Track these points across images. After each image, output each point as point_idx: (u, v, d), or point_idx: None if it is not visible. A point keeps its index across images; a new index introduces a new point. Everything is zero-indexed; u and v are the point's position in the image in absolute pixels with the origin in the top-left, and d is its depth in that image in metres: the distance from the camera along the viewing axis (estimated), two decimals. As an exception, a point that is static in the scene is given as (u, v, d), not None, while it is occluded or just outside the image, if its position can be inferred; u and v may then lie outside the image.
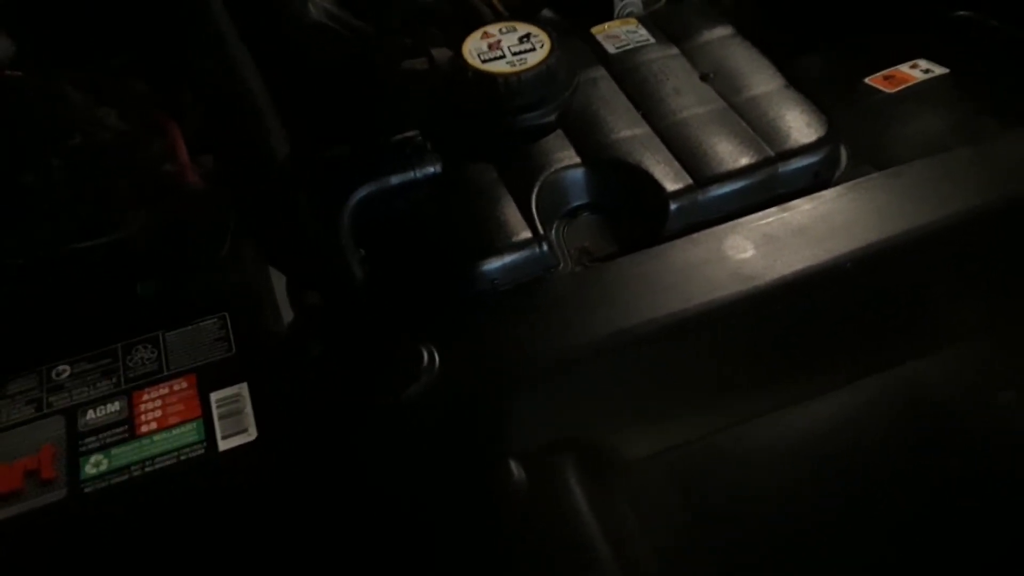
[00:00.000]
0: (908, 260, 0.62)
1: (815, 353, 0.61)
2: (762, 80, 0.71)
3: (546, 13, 0.89)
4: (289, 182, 0.72)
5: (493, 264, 0.60)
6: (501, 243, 0.61)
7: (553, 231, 0.65)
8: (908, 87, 0.75)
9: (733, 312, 0.58)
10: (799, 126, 0.66)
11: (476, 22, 0.72)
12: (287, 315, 0.67)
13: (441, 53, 0.77)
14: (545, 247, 0.61)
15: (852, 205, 0.63)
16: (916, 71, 0.77)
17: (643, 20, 0.79)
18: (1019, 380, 0.58)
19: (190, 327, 0.61)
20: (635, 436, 0.58)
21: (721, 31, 0.76)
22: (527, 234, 0.61)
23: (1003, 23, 0.84)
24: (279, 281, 0.69)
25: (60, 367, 0.59)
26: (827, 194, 0.64)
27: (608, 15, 0.90)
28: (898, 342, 0.62)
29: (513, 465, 0.54)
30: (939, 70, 0.77)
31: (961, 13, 0.86)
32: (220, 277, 0.65)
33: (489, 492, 0.53)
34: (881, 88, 0.76)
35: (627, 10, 0.92)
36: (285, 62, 0.81)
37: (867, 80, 0.77)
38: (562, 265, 0.63)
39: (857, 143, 0.70)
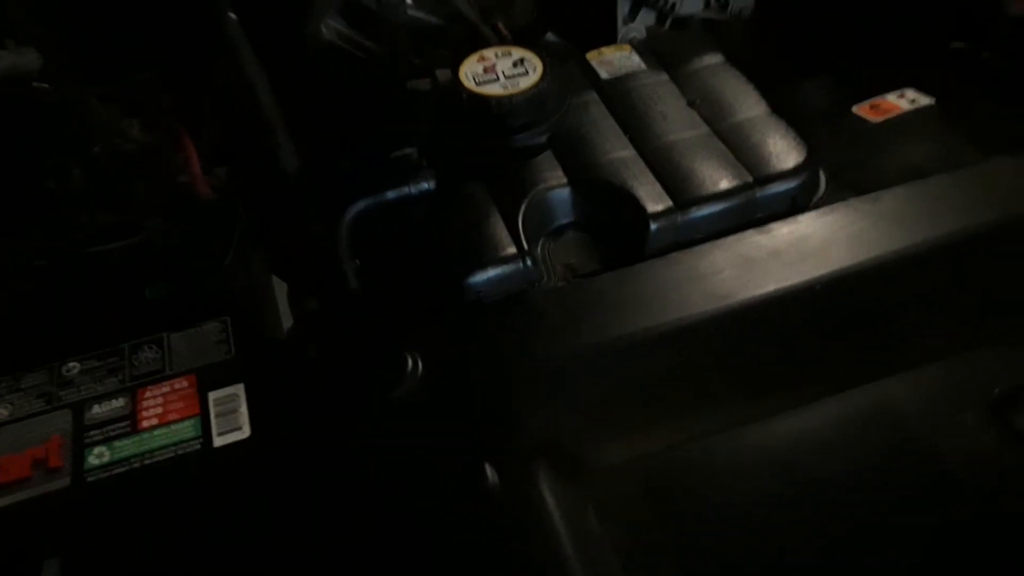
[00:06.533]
0: (879, 284, 0.64)
1: (786, 369, 0.63)
2: (747, 107, 0.73)
3: (550, 36, 0.92)
4: (298, 193, 0.76)
5: (478, 277, 0.63)
6: (487, 257, 0.64)
7: (539, 247, 0.68)
8: (892, 116, 0.78)
9: (706, 329, 0.61)
10: (778, 152, 0.69)
11: (482, 45, 0.76)
12: (287, 321, 0.71)
13: (444, 74, 0.80)
14: (529, 262, 0.64)
15: (826, 229, 0.65)
16: (903, 101, 0.80)
17: (637, 46, 0.81)
18: (981, 400, 0.60)
19: (194, 330, 0.65)
20: (607, 444, 0.61)
21: (711, 59, 0.79)
22: (512, 249, 0.64)
23: (995, 55, 0.85)
24: (281, 289, 0.73)
25: (70, 364, 0.63)
26: (803, 218, 0.66)
27: (612, 39, 0.93)
28: (868, 360, 0.64)
29: (488, 468, 0.57)
30: (925, 100, 0.79)
31: (956, 44, 0.88)
32: (225, 283, 0.69)
33: (464, 493, 0.56)
34: (866, 117, 0.78)
35: (630, 35, 0.95)
36: (298, 80, 0.84)
37: (854, 108, 0.79)
38: (546, 280, 0.66)
39: (838, 170, 0.72)
